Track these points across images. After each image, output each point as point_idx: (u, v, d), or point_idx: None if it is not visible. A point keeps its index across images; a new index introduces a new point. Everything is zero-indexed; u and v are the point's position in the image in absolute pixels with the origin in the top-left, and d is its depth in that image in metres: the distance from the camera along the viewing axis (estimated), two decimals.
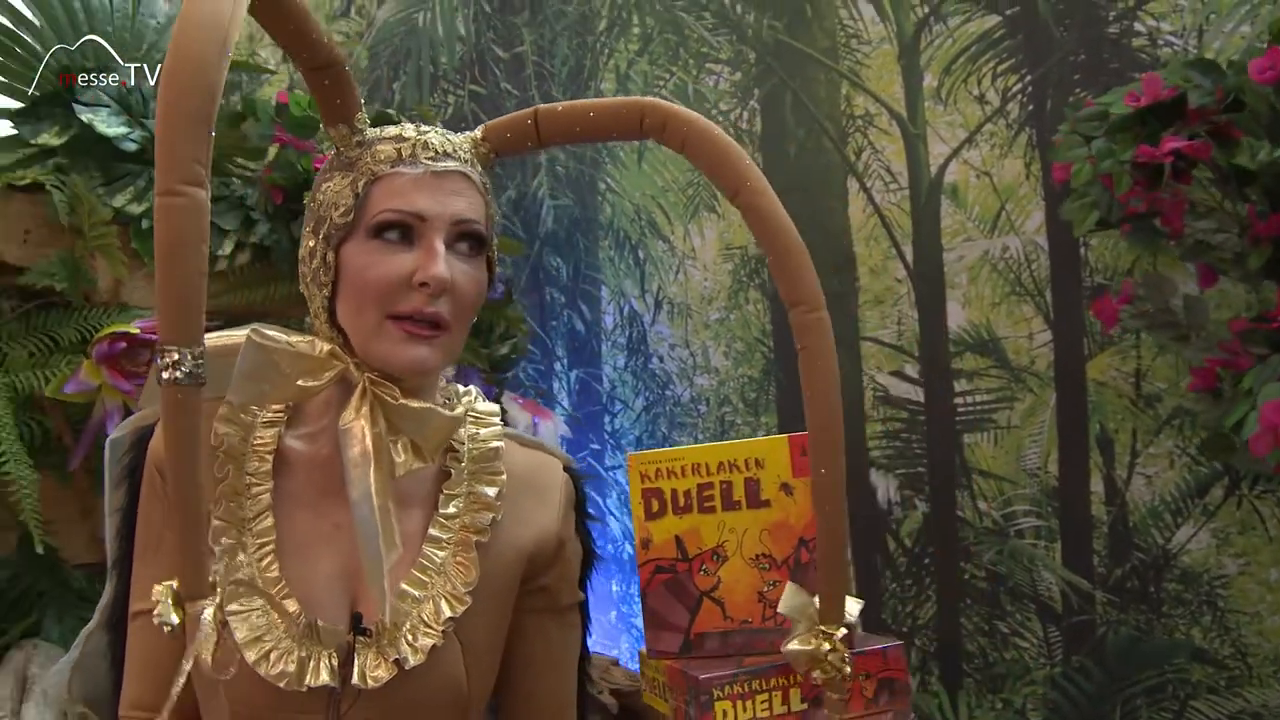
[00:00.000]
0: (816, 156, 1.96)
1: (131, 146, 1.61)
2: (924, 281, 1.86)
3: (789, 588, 1.00)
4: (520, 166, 2.23)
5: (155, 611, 0.88)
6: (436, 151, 1.03)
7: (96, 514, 1.61)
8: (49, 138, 1.55)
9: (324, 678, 1.01)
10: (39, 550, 1.45)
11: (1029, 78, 1.79)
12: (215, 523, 1.03)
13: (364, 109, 1.08)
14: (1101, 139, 1.46)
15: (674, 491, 1.09)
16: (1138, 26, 1.71)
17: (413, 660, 1.02)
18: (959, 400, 1.83)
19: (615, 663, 1.53)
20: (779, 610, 0.99)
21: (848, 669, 0.97)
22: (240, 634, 1.00)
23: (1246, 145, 1.42)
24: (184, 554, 0.85)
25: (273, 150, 1.68)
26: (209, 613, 0.85)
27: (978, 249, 1.82)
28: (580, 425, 2.17)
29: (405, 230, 1.01)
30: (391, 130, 1.06)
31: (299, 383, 1.03)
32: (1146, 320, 1.54)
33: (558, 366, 2.22)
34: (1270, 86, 1.37)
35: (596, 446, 2.16)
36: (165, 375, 0.80)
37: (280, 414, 1.10)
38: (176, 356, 0.80)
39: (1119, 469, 1.72)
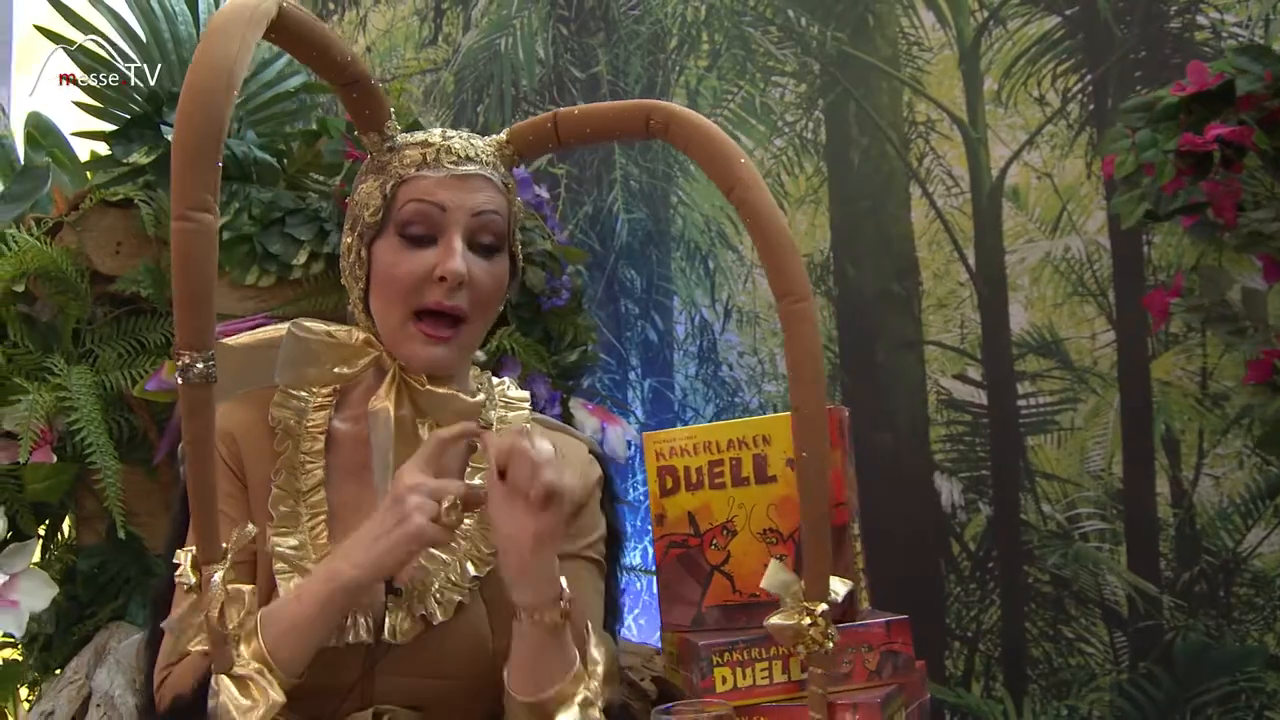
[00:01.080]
0: (880, 163, 1.97)
1: None
2: (986, 284, 1.85)
3: (772, 565, 1.02)
4: (596, 183, 2.29)
5: (178, 573, 0.97)
6: (459, 156, 1.12)
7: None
8: (139, 157, 1.68)
9: (361, 634, 1.09)
10: (121, 535, 1.55)
11: (1089, 77, 1.77)
12: (275, 491, 1.14)
13: (393, 118, 1.16)
14: (1145, 129, 1.45)
15: (686, 468, 1.12)
16: (1200, 19, 1.69)
17: (440, 615, 1.10)
18: (1022, 402, 1.81)
19: (658, 652, 1.55)
20: (762, 586, 1.02)
21: (830, 645, 0.99)
22: (284, 591, 1.09)
23: None
24: (199, 525, 0.94)
25: (345, 165, 1.78)
26: (219, 575, 0.94)
27: (1039, 250, 1.81)
28: None
29: (428, 224, 1.10)
30: (419, 136, 1.14)
31: (336, 370, 1.13)
32: (1202, 314, 1.51)
33: (632, 376, 2.26)
34: None
35: None
36: (181, 376, 0.89)
37: (329, 398, 1.20)
38: (189, 359, 0.90)
39: (1185, 470, 1.68)
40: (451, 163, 1.12)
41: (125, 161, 1.69)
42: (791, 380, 1.04)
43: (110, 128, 1.74)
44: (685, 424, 2.19)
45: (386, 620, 1.11)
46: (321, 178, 1.80)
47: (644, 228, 2.25)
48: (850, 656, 1.02)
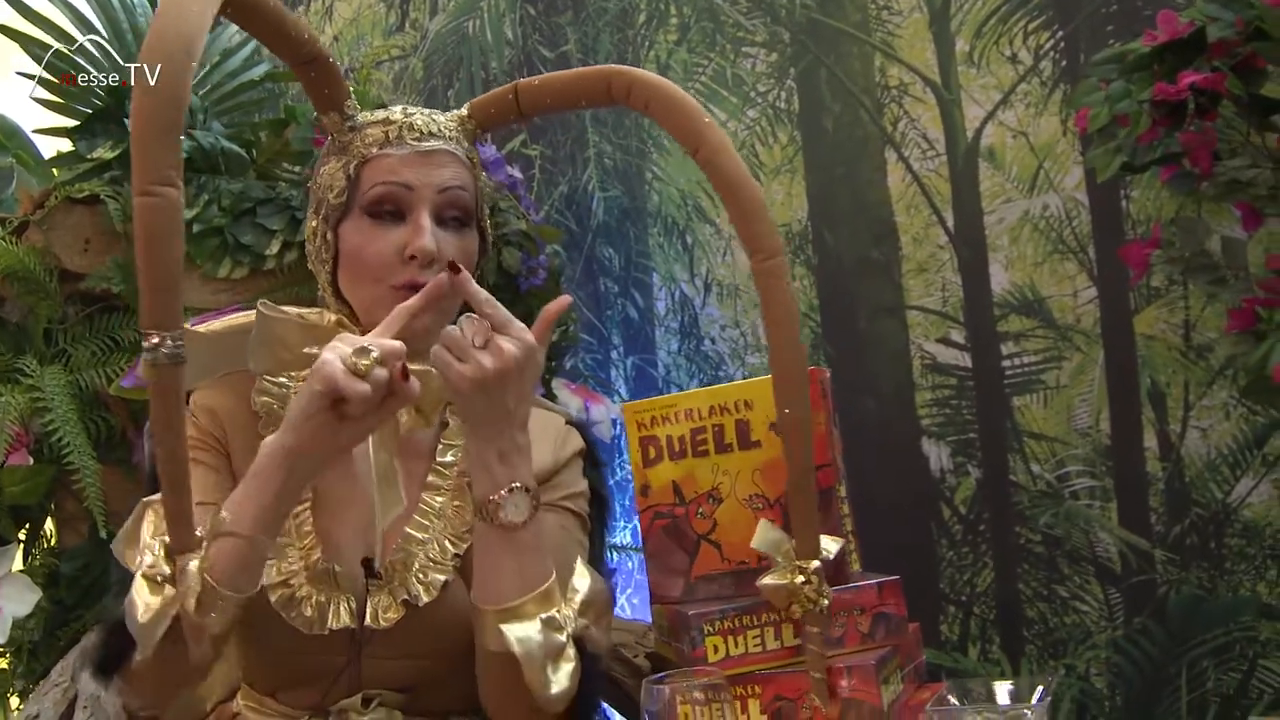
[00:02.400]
0: (854, 129, 1.96)
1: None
2: (966, 246, 1.84)
3: (761, 524, 1.02)
4: (570, 162, 2.28)
5: (148, 564, 0.94)
6: (421, 132, 1.11)
7: None
8: (104, 152, 1.65)
9: (344, 620, 1.08)
10: (104, 535, 1.53)
11: (1060, 33, 1.76)
12: None
13: (352, 96, 1.14)
14: (1119, 80, 1.44)
15: (669, 437, 1.11)
16: None
17: (425, 597, 1.08)
18: (1007, 363, 1.80)
19: (651, 629, 1.54)
20: (751, 546, 1.01)
21: (825, 601, 0.98)
22: (267, 578, 1.08)
23: (1271, 74, 1.39)
24: (171, 512, 0.91)
25: (314, 153, 1.75)
26: (194, 564, 0.92)
27: (1018, 210, 1.80)
28: None
29: (395, 203, 1.08)
30: (380, 114, 1.13)
31: (306, 351, 1.10)
32: (1181, 265, 1.50)
33: (614, 355, 2.25)
34: None
35: None
36: (148, 357, 0.87)
37: None
38: (157, 340, 0.87)
39: (1172, 423, 1.68)
40: (414, 139, 1.10)
41: (90, 157, 1.67)
42: (770, 337, 1.03)
43: (72, 123, 1.71)
44: None
45: (368, 604, 1.10)
46: (291, 166, 1.78)
47: (620, 205, 2.23)
48: (843, 620, 1.01)
